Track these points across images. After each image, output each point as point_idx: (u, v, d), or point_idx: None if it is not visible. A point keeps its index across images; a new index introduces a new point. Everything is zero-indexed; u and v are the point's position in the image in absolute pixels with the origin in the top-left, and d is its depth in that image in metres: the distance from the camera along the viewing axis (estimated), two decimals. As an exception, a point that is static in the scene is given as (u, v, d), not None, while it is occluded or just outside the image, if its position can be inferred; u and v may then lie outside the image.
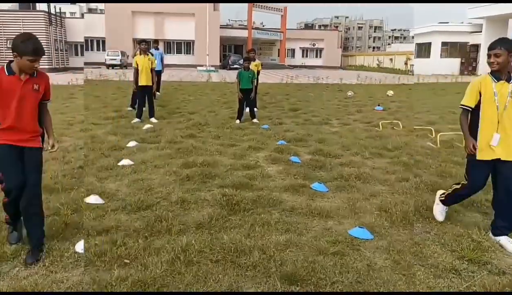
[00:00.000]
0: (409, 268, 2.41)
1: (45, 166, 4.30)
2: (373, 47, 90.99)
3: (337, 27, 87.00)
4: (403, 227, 2.99)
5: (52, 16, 33.03)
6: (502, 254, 2.53)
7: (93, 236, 2.70)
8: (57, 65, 33.93)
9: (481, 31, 30.56)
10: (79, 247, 2.57)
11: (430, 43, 33.80)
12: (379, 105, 10.15)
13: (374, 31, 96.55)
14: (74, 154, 4.96)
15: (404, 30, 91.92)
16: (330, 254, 2.54)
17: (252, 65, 7.81)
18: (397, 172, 4.40)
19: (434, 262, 2.43)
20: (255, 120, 7.43)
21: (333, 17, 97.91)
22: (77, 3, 50.49)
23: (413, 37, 40.86)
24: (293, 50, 48.58)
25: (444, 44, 33.09)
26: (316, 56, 49.38)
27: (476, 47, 31.61)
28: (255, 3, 39.59)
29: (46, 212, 3.06)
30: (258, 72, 8.47)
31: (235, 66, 36.17)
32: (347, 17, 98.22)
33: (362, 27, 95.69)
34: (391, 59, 45.79)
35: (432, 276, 2.30)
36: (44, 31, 31.88)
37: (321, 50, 48.78)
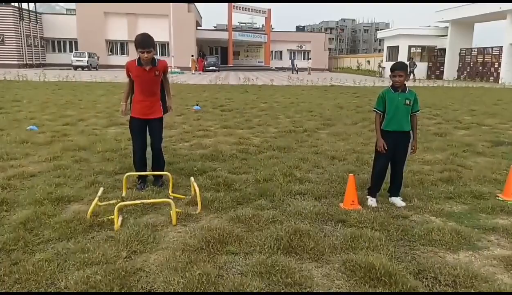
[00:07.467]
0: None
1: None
2: (379, 50, 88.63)
3: (342, 29, 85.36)
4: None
5: (24, 11, 32.05)
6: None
7: None
8: (29, 61, 32.87)
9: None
10: None
11: (398, 47, 32.53)
12: (197, 105, 9.22)
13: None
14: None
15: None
16: None
17: None
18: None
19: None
20: None
21: (340, 20, 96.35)
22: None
23: (381, 40, 39.61)
24: (280, 52, 48.15)
25: (411, 47, 31.83)
26: (304, 59, 48.69)
27: (444, 51, 30.10)
28: (235, 4, 39.51)
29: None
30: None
31: (211, 68, 36.28)
32: (353, 20, 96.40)
33: (368, 30, 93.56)
34: (368, 61, 44.61)
35: None
36: (13, 26, 31.15)
37: (308, 52, 48.06)
